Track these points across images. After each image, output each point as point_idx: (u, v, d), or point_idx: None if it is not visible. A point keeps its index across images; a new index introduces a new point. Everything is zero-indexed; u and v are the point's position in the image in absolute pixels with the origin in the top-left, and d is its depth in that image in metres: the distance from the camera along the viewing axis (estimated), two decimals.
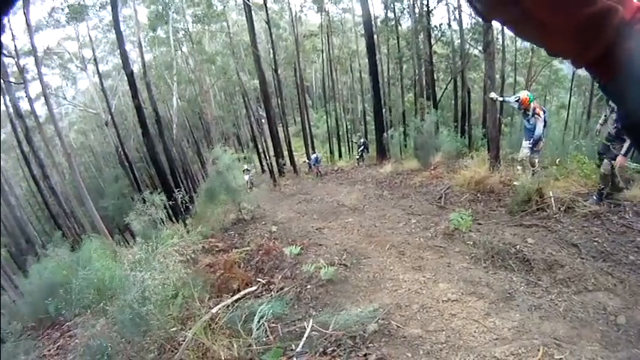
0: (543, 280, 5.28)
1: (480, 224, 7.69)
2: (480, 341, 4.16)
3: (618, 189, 7.16)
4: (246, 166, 12.40)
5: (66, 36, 30.51)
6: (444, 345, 4.19)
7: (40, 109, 25.80)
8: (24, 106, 23.42)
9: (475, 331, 4.34)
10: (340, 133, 38.27)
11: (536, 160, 8.86)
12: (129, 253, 7.92)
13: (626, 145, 6.62)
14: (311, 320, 4.79)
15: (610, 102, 7.19)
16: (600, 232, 6.25)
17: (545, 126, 8.72)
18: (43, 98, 20.06)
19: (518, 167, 9.34)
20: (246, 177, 12.52)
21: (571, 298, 4.81)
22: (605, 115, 7.58)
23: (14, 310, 8.35)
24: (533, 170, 8.66)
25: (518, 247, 6.12)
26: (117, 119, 29.60)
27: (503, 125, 17.23)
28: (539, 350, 3.86)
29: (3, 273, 18.46)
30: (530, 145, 8.73)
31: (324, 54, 34.83)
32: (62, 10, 26.05)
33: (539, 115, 8.47)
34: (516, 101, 8.72)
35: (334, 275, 6.19)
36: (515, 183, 8.64)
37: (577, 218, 6.84)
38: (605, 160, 6.94)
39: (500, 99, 9.83)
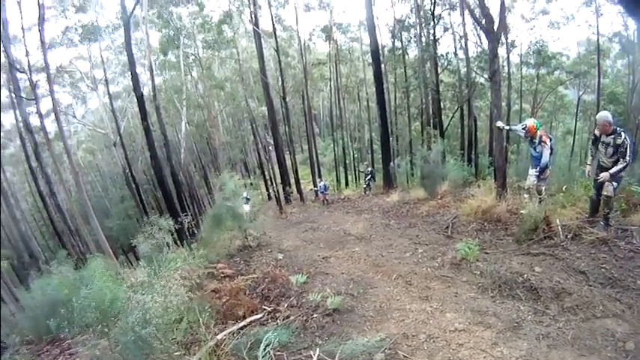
0: (551, 309, 5.24)
1: (487, 253, 7.64)
2: None
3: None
4: (245, 194, 12.06)
5: (78, 55, 30.97)
6: None
7: (50, 126, 26.14)
8: (34, 121, 23.73)
9: None
10: (347, 162, 38.43)
11: (543, 188, 8.84)
12: (132, 276, 7.90)
13: (619, 166, 6.74)
14: (317, 349, 4.76)
15: (596, 143, 7.29)
16: (608, 258, 6.24)
17: (551, 153, 8.72)
18: (53, 115, 20.32)
19: (525, 195, 9.31)
20: (247, 207, 12.37)
21: (579, 325, 4.77)
22: (592, 155, 7.62)
23: (13, 323, 8.35)
24: (540, 198, 8.64)
25: (525, 275, 6.09)
26: (125, 140, 29.84)
27: (509, 153, 17.27)
28: None
29: (3, 284, 18.40)
30: (537, 173, 8.71)
31: (332, 82, 35.21)
32: (76, 29, 26.58)
33: (545, 143, 8.46)
34: (523, 129, 8.73)
35: (340, 304, 6.16)
36: (522, 211, 8.60)
37: (584, 245, 6.83)
38: (607, 183, 6.94)
39: (507, 128, 9.86)
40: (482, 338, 4.74)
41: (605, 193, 7.00)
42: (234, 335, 5.31)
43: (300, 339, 5.40)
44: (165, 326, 4.60)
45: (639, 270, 5.74)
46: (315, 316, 6.04)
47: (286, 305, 6.61)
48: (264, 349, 4.64)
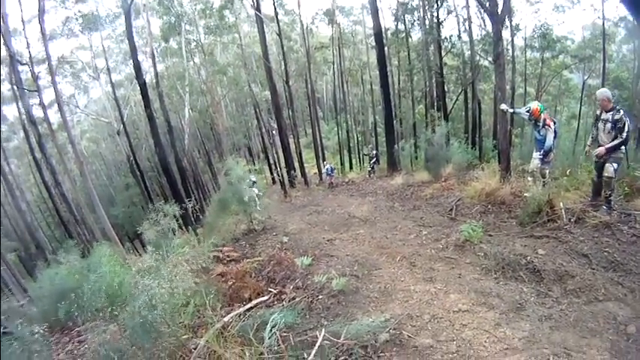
0: (554, 291, 5.29)
1: (490, 235, 7.69)
2: (491, 351, 4.18)
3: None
4: (253, 178, 11.79)
5: (79, 45, 30.86)
6: (455, 355, 4.21)
7: (53, 117, 26.16)
8: (37, 113, 23.77)
9: (486, 341, 4.35)
10: (351, 145, 38.37)
11: (547, 172, 8.85)
12: (139, 261, 7.96)
13: (615, 141, 6.90)
14: (323, 330, 4.81)
15: (596, 123, 7.36)
16: (611, 242, 6.28)
17: (555, 137, 8.72)
18: (56, 106, 20.35)
19: (529, 178, 9.31)
20: (255, 190, 12.19)
21: (581, 308, 4.83)
22: (592, 136, 7.66)
23: (21, 312, 8.43)
24: (543, 181, 8.66)
25: (528, 258, 6.13)
26: (129, 128, 29.90)
27: (513, 136, 17.23)
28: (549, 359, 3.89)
29: (11, 276, 18.57)
30: (541, 157, 8.73)
31: (335, 66, 35.12)
32: (76, 19, 26.44)
33: (549, 126, 8.47)
34: (527, 112, 8.74)
35: (345, 286, 6.21)
36: (526, 194, 8.62)
37: (587, 229, 6.87)
38: (608, 164, 7.00)
39: (511, 110, 9.87)
40: (486, 319, 4.79)
41: (607, 174, 7.07)
42: (241, 317, 5.37)
43: (305, 320, 5.47)
44: (172, 310, 4.66)
45: None
46: (320, 297, 6.12)
47: (292, 287, 6.67)
48: (271, 330, 4.69)
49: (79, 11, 26.37)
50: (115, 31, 30.57)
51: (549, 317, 4.70)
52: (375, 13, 21.34)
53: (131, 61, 22.21)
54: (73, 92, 34.92)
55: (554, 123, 8.69)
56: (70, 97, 33.42)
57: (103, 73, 30.03)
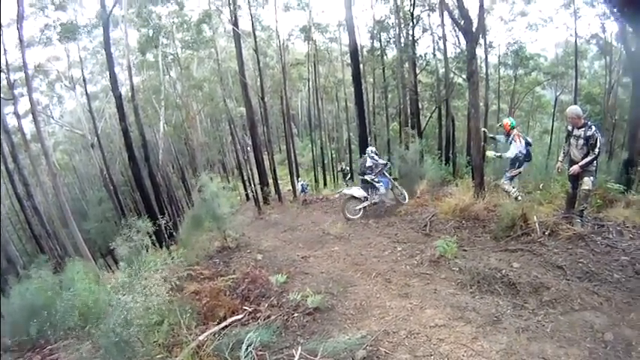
0: (530, 303, 5.33)
1: (465, 250, 7.74)
2: None
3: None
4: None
5: (55, 55, 30.49)
6: None
7: (27, 127, 25.70)
8: (10, 122, 23.30)
9: (463, 355, 4.34)
10: (325, 162, 38.48)
11: (512, 188, 9.04)
12: (112, 278, 7.80)
13: (588, 158, 7.04)
14: (299, 348, 4.75)
15: (568, 139, 7.58)
16: (585, 253, 6.39)
17: (527, 159, 8.93)
18: (30, 115, 19.93)
19: (504, 192, 9.48)
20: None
21: (558, 318, 4.87)
22: (564, 152, 7.81)
23: None
24: (515, 196, 8.78)
25: (503, 271, 6.17)
26: (103, 141, 29.55)
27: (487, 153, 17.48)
28: None
29: None
30: (509, 175, 8.98)
31: (311, 82, 35.29)
32: (54, 27, 26.06)
33: (515, 141, 8.73)
34: (500, 126, 8.99)
35: (321, 303, 6.15)
36: (500, 205, 8.76)
37: (562, 241, 6.98)
38: (586, 178, 7.13)
39: (491, 135, 10.15)
40: (463, 333, 4.78)
41: (586, 187, 7.20)
42: (216, 336, 5.28)
43: (281, 338, 5.39)
44: (146, 328, 4.56)
45: (616, 264, 5.90)
46: (295, 315, 6.04)
47: (267, 305, 6.59)
48: (246, 349, 4.62)
49: (58, 19, 26.07)
50: (92, 42, 30.27)
51: (526, 329, 4.72)
52: (351, 30, 21.50)
53: (107, 72, 22.01)
54: (48, 103, 34.53)
55: (525, 141, 8.90)
56: (44, 107, 32.97)
57: (79, 85, 29.61)
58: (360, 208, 12.44)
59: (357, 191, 12.50)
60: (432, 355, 4.43)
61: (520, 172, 9.33)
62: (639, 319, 4.65)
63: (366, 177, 12.58)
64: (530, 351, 4.27)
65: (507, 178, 9.26)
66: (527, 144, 9.06)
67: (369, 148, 13.26)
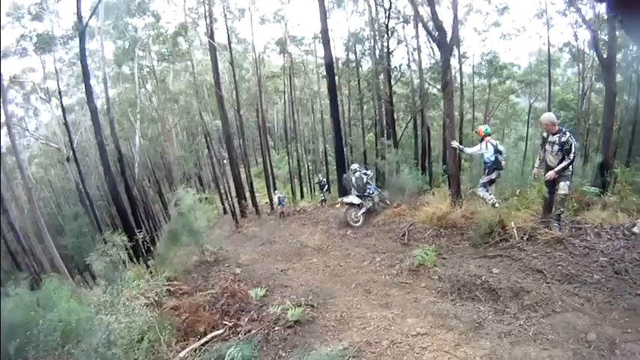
0: (511, 308, 5.38)
1: (444, 258, 7.79)
2: None
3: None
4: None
5: (31, 67, 29.94)
6: None
7: (1, 140, 25.18)
8: None
9: None
10: (302, 174, 38.43)
11: (487, 194, 9.13)
12: (91, 295, 7.64)
13: (563, 163, 7.12)
14: None
15: (544, 145, 7.66)
16: (564, 255, 6.47)
17: (495, 166, 9.06)
18: (4, 128, 19.54)
19: (481, 199, 9.58)
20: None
21: (540, 321, 4.91)
22: (540, 158, 7.92)
23: None
24: (492, 203, 8.86)
25: (483, 277, 6.22)
26: (79, 155, 28.90)
27: (463, 161, 17.64)
28: None
29: None
30: (482, 182, 9.10)
31: (286, 95, 35.40)
32: (30, 38, 25.65)
33: (487, 145, 8.90)
34: (475, 132, 9.16)
35: (301, 316, 6.13)
36: (477, 212, 8.85)
37: (540, 245, 7.05)
38: (562, 182, 7.22)
39: (461, 148, 10.27)
40: (445, 340, 4.80)
41: (562, 192, 7.28)
42: (197, 352, 5.23)
43: (263, 352, 5.36)
44: (127, 347, 4.48)
45: (595, 265, 5.98)
46: (276, 328, 6.00)
47: (247, 319, 6.54)
48: None
49: (34, 29, 25.66)
50: (67, 53, 29.80)
51: (509, 333, 4.75)
52: (326, 43, 21.55)
53: (83, 84, 21.68)
54: (23, 115, 33.89)
55: (496, 148, 9.05)
56: (19, 119, 32.34)
57: (54, 97, 29.11)
58: (360, 214, 12.66)
59: (355, 199, 12.81)
60: None
61: (493, 179, 9.40)
62: (621, 317, 4.72)
63: (367, 192, 13.11)
64: (513, 355, 4.30)
65: (481, 184, 9.37)
66: (497, 151, 9.15)
67: (355, 166, 13.75)
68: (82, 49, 19.34)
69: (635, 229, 6.77)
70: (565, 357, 4.13)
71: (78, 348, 4.46)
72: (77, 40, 20.74)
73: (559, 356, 4.15)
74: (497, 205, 8.77)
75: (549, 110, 25.84)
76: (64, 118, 27.03)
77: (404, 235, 10.03)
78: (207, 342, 5.72)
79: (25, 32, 25.58)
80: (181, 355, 4.96)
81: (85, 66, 19.59)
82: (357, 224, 12.53)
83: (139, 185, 30.52)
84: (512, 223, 7.90)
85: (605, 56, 17.59)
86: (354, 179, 13.12)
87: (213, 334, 6.03)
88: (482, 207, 9.17)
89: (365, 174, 13.31)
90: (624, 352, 4.08)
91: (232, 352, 4.74)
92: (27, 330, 4.74)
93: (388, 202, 13.55)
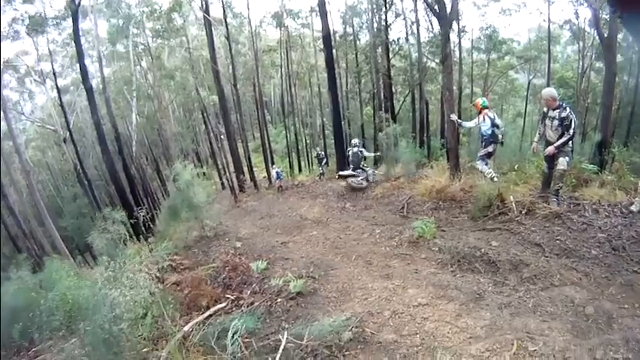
0: (510, 280, 5.44)
1: (443, 231, 7.83)
2: (455, 341, 4.24)
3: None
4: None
5: (24, 50, 29.75)
6: (420, 347, 4.24)
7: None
8: None
9: (449, 332, 4.41)
10: (299, 148, 38.33)
11: (486, 168, 9.16)
12: (92, 274, 7.67)
13: (563, 139, 7.16)
14: (285, 333, 4.75)
15: (544, 120, 7.64)
16: (562, 230, 6.52)
17: (492, 139, 9.03)
18: (1, 113, 19.45)
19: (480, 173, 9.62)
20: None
21: (539, 294, 4.96)
22: (540, 133, 7.92)
23: None
24: (491, 177, 8.89)
25: (483, 250, 6.28)
26: (75, 136, 28.79)
27: (461, 135, 17.64)
28: (513, 344, 3.97)
29: None
30: (480, 155, 9.12)
31: (283, 69, 35.04)
32: (23, 21, 25.35)
33: (484, 117, 8.89)
34: (473, 105, 9.15)
35: (303, 288, 6.18)
36: (476, 186, 8.90)
37: (538, 219, 7.10)
38: (561, 158, 7.24)
39: (459, 122, 10.26)
40: (446, 311, 4.85)
41: (562, 167, 7.32)
42: (201, 326, 5.26)
43: (266, 324, 5.41)
44: (132, 322, 4.52)
45: (593, 240, 6.03)
46: (279, 300, 6.06)
47: (249, 292, 6.60)
48: (233, 337, 4.60)
49: (26, 12, 25.32)
50: (61, 34, 29.46)
51: (508, 305, 4.81)
52: (324, 16, 21.28)
53: (77, 65, 21.45)
54: (18, 99, 33.71)
55: (489, 120, 9.00)
56: (15, 103, 32.15)
57: (49, 79, 28.87)
58: (362, 179, 13.42)
59: (351, 172, 13.64)
60: (417, 334, 4.50)
61: (490, 152, 9.39)
62: (618, 292, 4.77)
63: (362, 167, 13.91)
64: (513, 326, 4.35)
65: (480, 158, 9.38)
66: (493, 125, 9.12)
67: (355, 141, 14.36)
68: (76, 29, 19.16)
69: (632, 207, 6.84)
70: (564, 329, 4.18)
71: (83, 325, 4.49)
72: (70, 20, 20.52)
73: (558, 328, 4.20)
74: (495, 179, 8.79)
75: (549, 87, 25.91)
76: (60, 100, 26.79)
77: (403, 207, 10.08)
78: (210, 316, 5.75)
79: (16, 15, 25.25)
80: (185, 328, 5.01)
81: (79, 46, 19.39)
82: (363, 185, 13.23)
83: (136, 163, 30.43)
84: (511, 197, 7.95)
85: (605, 35, 17.45)
86: (351, 154, 13.70)
87: (216, 307, 6.07)
88: (480, 181, 9.19)
89: (361, 151, 13.84)
90: (621, 326, 4.14)
91: (236, 325, 4.77)
92: (30, 312, 4.77)
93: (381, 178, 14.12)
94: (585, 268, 5.36)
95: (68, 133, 26.87)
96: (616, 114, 22.50)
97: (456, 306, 4.94)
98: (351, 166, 13.79)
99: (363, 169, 13.71)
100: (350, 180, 13.43)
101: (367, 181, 13.52)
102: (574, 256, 5.73)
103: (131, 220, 9.76)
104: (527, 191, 8.51)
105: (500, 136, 9.25)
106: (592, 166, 9.44)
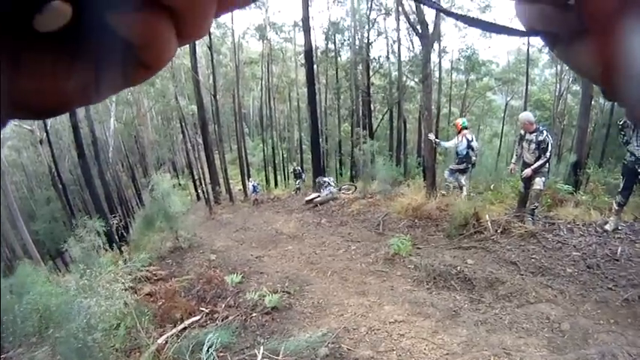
0: (486, 297, 5.50)
1: (419, 248, 7.89)
2: (432, 357, 4.26)
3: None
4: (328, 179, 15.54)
5: None
6: None
7: None
8: None
9: (425, 349, 4.42)
10: (276, 162, 38.33)
11: (462, 181, 9.33)
12: (65, 281, 7.53)
13: (540, 161, 7.30)
14: (261, 348, 4.73)
15: (521, 142, 7.79)
16: (537, 249, 6.63)
17: (465, 160, 9.20)
18: None
19: (442, 192, 9.78)
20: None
21: (514, 311, 5.03)
22: (517, 154, 8.07)
23: None
24: (454, 187, 9.04)
25: (458, 267, 6.33)
26: (52, 138, 28.30)
27: (438, 154, 17.85)
28: None
29: None
30: (450, 169, 9.30)
31: (263, 82, 35.18)
32: None
33: (462, 138, 9.09)
34: (452, 125, 9.35)
35: (279, 302, 6.15)
36: (452, 204, 8.99)
37: (514, 238, 7.20)
38: (538, 178, 7.38)
39: (437, 141, 10.44)
40: (423, 327, 4.88)
41: (538, 187, 7.45)
42: (175, 339, 5.20)
43: (241, 339, 5.36)
44: (106, 333, 4.44)
45: (568, 259, 6.14)
46: (254, 315, 6.02)
47: (224, 306, 6.54)
48: (207, 351, 4.56)
49: None
50: None
51: (485, 322, 4.86)
52: (307, 30, 21.36)
53: None
54: None
55: (466, 141, 9.18)
56: None
57: None
58: (326, 194, 14.37)
59: (315, 194, 14.76)
60: (393, 350, 4.50)
61: (461, 170, 9.57)
62: (593, 309, 4.88)
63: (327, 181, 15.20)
64: (490, 342, 4.40)
65: (449, 169, 9.58)
66: (469, 147, 9.29)
67: (329, 179, 15.76)
68: None
69: (607, 227, 6.97)
70: (540, 345, 4.25)
71: (56, 332, 4.40)
72: None
73: (535, 344, 4.27)
74: (465, 193, 8.94)
75: (525, 109, 26.37)
76: None
77: (379, 224, 10.10)
78: (185, 328, 5.70)
79: None
80: (159, 341, 4.95)
81: None
82: (328, 198, 14.13)
83: (112, 170, 30.09)
84: (487, 216, 8.05)
85: None
86: (320, 182, 15.29)
87: (190, 320, 6.01)
88: (457, 199, 9.30)
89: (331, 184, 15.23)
90: (597, 341, 4.21)
91: (211, 339, 4.73)
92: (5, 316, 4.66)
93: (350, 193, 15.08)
94: (560, 286, 5.46)
95: (45, 134, 26.41)
96: (591, 136, 23.11)
97: (432, 323, 4.96)
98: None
99: (328, 184, 14.77)
100: (316, 200, 14.19)
101: (331, 193, 14.29)
102: (549, 274, 5.83)
103: (105, 228, 9.62)
104: (502, 210, 8.62)
105: (473, 158, 9.43)
106: (567, 186, 9.63)
